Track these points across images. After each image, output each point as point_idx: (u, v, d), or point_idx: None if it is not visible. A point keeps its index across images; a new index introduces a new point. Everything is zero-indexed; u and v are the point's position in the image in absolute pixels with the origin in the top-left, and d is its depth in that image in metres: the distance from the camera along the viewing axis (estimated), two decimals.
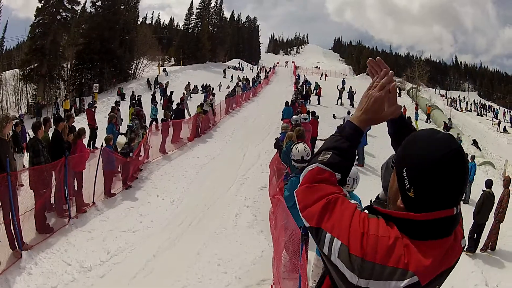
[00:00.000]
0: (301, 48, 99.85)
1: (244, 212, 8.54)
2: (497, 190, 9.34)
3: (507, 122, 45.73)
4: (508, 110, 55.33)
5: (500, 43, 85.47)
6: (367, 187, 7.43)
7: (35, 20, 33.24)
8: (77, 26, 35.89)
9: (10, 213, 6.03)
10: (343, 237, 1.07)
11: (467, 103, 56.64)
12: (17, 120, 12.03)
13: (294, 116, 12.71)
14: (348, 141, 1.22)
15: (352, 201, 1.15)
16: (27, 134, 11.31)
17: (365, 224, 1.08)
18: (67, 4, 33.33)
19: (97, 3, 36.40)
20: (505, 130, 39.15)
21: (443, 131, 1.15)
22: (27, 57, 32.80)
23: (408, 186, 1.07)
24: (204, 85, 31.53)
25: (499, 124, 40.13)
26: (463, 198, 12.65)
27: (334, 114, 17.76)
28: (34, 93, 32.25)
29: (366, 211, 1.17)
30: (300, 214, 1.21)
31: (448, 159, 1.04)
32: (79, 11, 35.91)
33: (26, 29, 34.55)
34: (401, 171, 1.10)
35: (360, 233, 1.06)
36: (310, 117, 14.49)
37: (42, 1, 32.81)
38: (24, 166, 9.46)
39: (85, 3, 36.98)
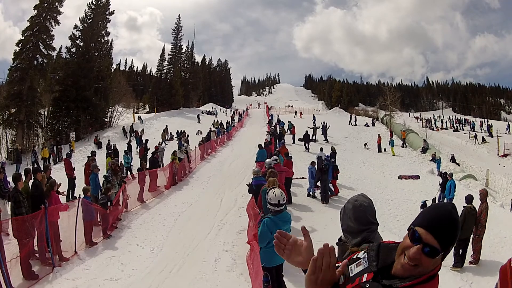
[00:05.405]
0: (273, 88, 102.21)
1: (224, 257, 8.82)
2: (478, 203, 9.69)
3: (484, 132, 46.16)
4: (486, 120, 56.57)
5: (472, 55, 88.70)
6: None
7: (13, 64, 33.51)
8: (53, 72, 36.30)
9: None
10: None
11: (442, 121, 57.10)
12: None
13: (267, 160, 13.09)
14: None
15: None
16: (8, 183, 11.37)
17: None
18: (43, 50, 33.77)
19: (71, 49, 37.09)
20: (483, 140, 39.41)
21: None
22: (6, 102, 32.83)
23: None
24: (179, 131, 32.02)
25: (475, 137, 40.45)
26: None
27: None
28: (13, 138, 32.09)
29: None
30: None
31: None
32: (54, 57, 36.45)
33: (4, 72, 35.04)
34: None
35: None
36: (284, 158, 15.10)
37: (20, 45, 33.21)
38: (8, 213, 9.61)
39: (60, 49, 37.92)
